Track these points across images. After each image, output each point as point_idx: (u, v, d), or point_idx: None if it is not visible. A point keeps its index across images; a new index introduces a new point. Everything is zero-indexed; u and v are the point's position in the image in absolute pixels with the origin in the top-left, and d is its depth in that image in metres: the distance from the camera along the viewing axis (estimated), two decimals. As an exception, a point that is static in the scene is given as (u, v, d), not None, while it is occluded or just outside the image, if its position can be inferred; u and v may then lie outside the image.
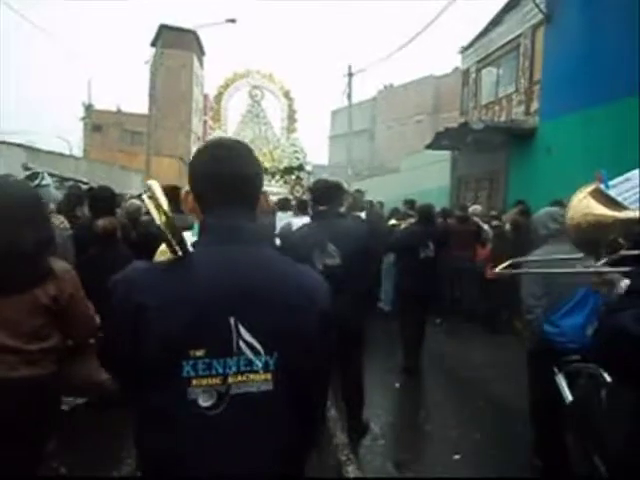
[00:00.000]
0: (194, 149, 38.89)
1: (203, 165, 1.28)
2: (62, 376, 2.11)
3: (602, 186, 1.62)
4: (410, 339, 5.59)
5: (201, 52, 42.39)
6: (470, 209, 8.50)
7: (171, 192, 5.20)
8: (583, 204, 1.53)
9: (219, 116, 13.52)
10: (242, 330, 1.15)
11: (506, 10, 12.48)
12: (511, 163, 11.79)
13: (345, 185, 4.68)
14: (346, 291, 3.09)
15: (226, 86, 13.50)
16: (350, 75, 22.39)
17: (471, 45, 14.68)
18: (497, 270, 2.39)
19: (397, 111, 37.38)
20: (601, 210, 1.49)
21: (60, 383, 2.11)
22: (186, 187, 1.34)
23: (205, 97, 43.19)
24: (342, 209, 4.32)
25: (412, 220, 6.36)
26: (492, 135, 11.47)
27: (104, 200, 4.05)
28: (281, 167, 12.64)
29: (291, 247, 3.46)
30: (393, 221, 7.46)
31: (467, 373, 5.70)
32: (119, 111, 37.81)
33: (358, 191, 7.92)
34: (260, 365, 1.16)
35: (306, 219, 6.34)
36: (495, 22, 13.06)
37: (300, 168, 12.84)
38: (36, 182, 3.34)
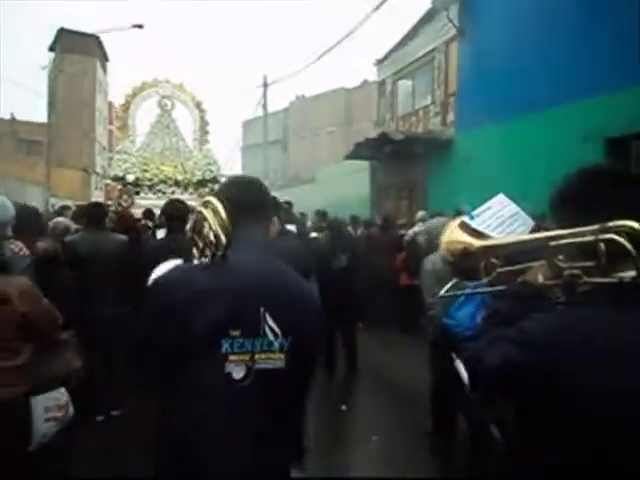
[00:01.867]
0: (99, 159, 37.03)
1: (238, 193, 1.64)
2: (43, 371, 2.27)
3: (466, 219, 1.75)
4: (330, 341, 5.88)
5: (104, 58, 40.30)
6: (418, 215, 8.54)
7: (95, 209, 4.60)
8: (451, 237, 1.68)
9: (126, 126, 12.79)
10: (268, 317, 1.42)
11: (421, 24, 12.78)
12: (430, 173, 11.99)
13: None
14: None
15: (134, 95, 12.77)
16: (265, 85, 22.09)
17: (387, 57, 14.92)
18: (441, 294, 2.42)
19: (310, 122, 37.55)
20: (466, 240, 1.63)
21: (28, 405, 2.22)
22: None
23: (110, 105, 40.96)
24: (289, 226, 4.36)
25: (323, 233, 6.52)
26: (411, 146, 11.62)
27: (32, 221, 3.72)
28: (194, 180, 12.19)
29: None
30: (314, 234, 7.39)
31: (386, 374, 6.01)
32: (13, 119, 34.80)
33: (287, 203, 7.60)
34: (277, 346, 1.42)
35: None
36: (410, 35, 13.36)
37: (214, 180, 12.35)
38: None
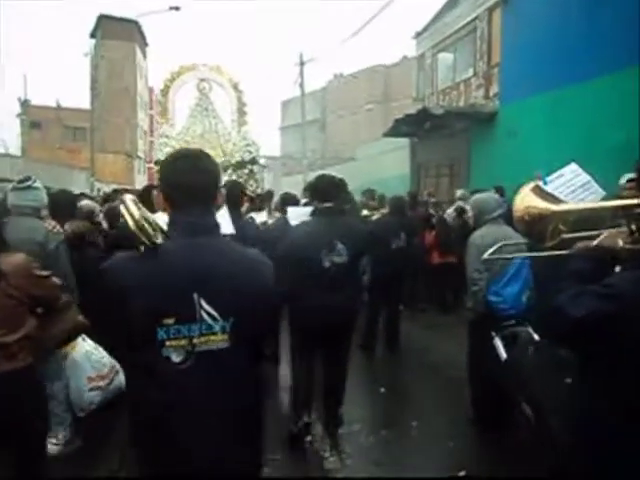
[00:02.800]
0: (141, 144, 37.70)
1: (173, 175, 1.59)
2: (47, 338, 2.43)
3: (540, 183, 1.78)
4: (372, 321, 5.84)
5: (144, 43, 40.70)
6: (458, 193, 8.34)
7: (146, 192, 4.73)
8: (525, 200, 1.72)
9: (166, 111, 12.99)
10: (203, 302, 1.47)
11: (460, -7, 12.27)
12: (472, 148, 11.62)
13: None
14: (348, 288, 3.45)
15: (172, 79, 12.95)
16: (302, 64, 21.83)
17: (425, 30, 14.45)
18: (485, 256, 2.63)
19: (348, 100, 37.10)
20: (540, 204, 1.68)
21: (36, 375, 2.31)
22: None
23: (150, 90, 41.48)
24: (346, 206, 4.26)
25: (384, 211, 6.42)
26: (452, 120, 11.27)
27: (66, 204, 3.96)
28: (233, 161, 12.20)
29: (293, 244, 3.48)
30: (365, 212, 7.31)
31: (429, 356, 5.84)
32: (59, 106, 35.77)
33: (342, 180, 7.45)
34: (218, 328, 1.48)
35: (263, 215, 5.97)
36: (450, 5, 12.86)
37: (253, 162, 12.49)
38: (27, 183, 3.34)
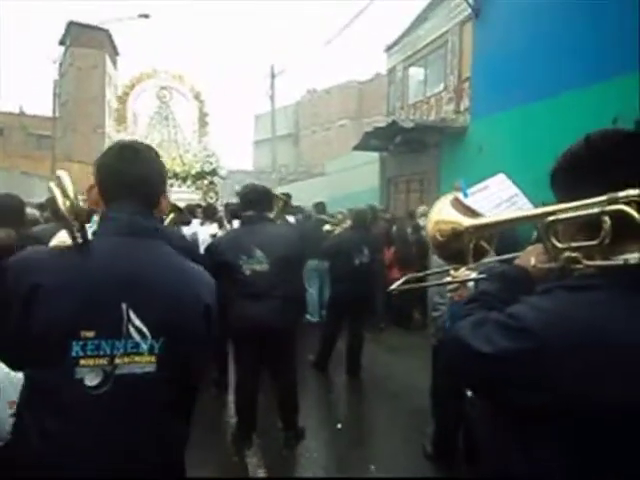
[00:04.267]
0: None
1: (110, 163, 1.36)
2: None
3: (460, 195, 1.59)
4: (329, 340, 5.56)
5: (114, 52, 40.00)
6: (419, 209, 8.18)
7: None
8: (440, 215, 1.53)
9: (124, 118, 12.62)
10: (132, 315, 1.23)
11: (432, 7, 12.07)
12: (442, 163, 11.32)
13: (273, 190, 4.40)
14: (274, 297, 3.34)
15: (132, 86, 12.66)
16: (273, 76, 21.48)
17: (397, 43, 14.24)
18: (393, 287, 2.19)
19: (321, 116, 37.10)
20: (454, 218, 1.49)
21: None
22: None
23: (117, 99, 40.67)
24: (271, 214, 3.96)
25: (345, 225, 6.16)
26: (422, 134, 10.98)
27: (11, 210, 3.55)
28: (192, 172, 11.94)
29: (218, 252, 3.43)
30: (327, 227, 7.20)
31: (391, 383, 5.42)
32: (22, 113, 34.70)
33: (285, 195, 7.28)
34: (146, 348, 1.24)
35: (214, 227, 5.74)
36: (421, 19, 12.65)
37: (213, 173, 12.22)
38: None
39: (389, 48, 14.68)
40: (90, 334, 1.20)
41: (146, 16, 23.20)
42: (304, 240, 4.56)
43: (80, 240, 1.23)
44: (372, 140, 12.52)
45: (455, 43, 11.31)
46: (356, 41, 44.04)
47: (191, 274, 1.39)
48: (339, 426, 4.32)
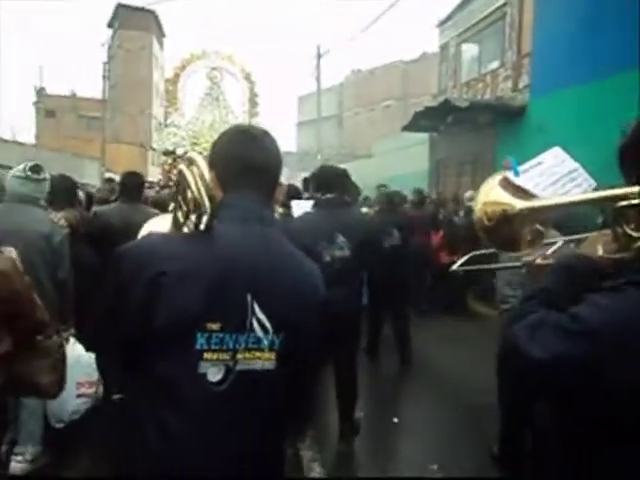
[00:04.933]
0: (155, 135, 37.84)
1: (229, 149, 1.30)
2: (22, 372, 1.88)
3: (510, 174, 1.48)
4: (373, 324, 5.45)
5: (161, 34, 40.50)
6: (467, 194, 7.93)
7: (128, 179, 4.25)
8: (488, 196, 1.37)
9: (175, 99, 12.67)
10: (257, 308, 1.16)
11: (489, -22, 11.50)
12: (498, 144, 10.82)
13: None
14: (351, 284, 3.27)
15: (182, 67, 12.69)
16: (319, 57, 21.21)
17: (449, 18, 13.71)
18: (455, 267, 2.05)
19: (365, 96, 36.58)
20: (503, 199, 1.32)
21: (6, 394, 1.99)
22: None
23: (166, 81, 41.19)
24: (348, 198, 3.82)
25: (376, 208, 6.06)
26: (476, 114, 10.51)
27: (64, 191, 3.65)
28: None
29: (292, 236, 2.86)
30: (365, 209, 6.93)
31: (438, 364, 5.46)
32: (74, 95, 35.69)
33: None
34: (267, 344, 1.17)
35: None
36: (476, -9, 12.08)
37: None
38: (42, 175, 3.06)
39: (441, 24, 14.16)
40: (215, 326, 1.13)
41: (193, -4, 23.30)
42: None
43: (203, 226, 1.15)
44: (422, 120, 12.13)
45: (514, 16, 10.75)
46: (402, 20, 43.07)
47: (308, 266, 1.33)
48: (395, 420, 4.17)
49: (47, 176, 3.14)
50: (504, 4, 11.06)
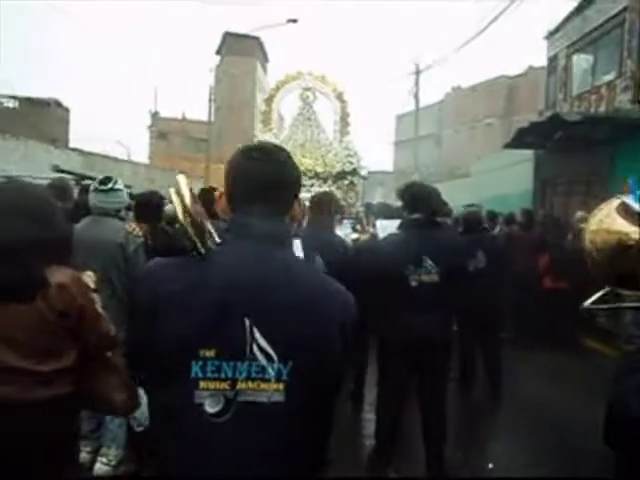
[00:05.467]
0: None
1: (237, 165, 1.25)
2: (90, 386, 1.97)
3: (630, 200, 1.27)
4: (465, 356, 5.15)
5: (264, 58, 42.24)
6: (577, 215, 7.32)
7: (207, 195, 4.26)
8: (602, 224, 1.25)
9: (270, 120, 13.05)
10: (257, 334, 1.09)
11: (606, -19, 10.54)
12: (616, 162, 9.75)
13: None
14: (440, 310, 3.06)
15: (277, 89, 13.13)
16: (417, 73, 20.83)
17: (559, 28, 12.76)
18: (587, 305, 1.63)
19: (466, 114, 35.42)
20: (624, 228, 1.19)
21: (77, 402, 1.95)
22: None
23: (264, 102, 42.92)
24: (438, 218, 3.58)
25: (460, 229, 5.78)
26: (590, 129, 9.54)
27: (146, 206, 3.86)
28: (334, 172, 11.98)
29: (376, 259, 3.19)
30: None
31: (538, 402, 4.88)
32: (184, 119, 38.11)
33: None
34: (273, 373, 1.09)
35: (347, 229, 5.63)
36: (590, -1, 11.12)
37: (354, 173, 12.15)
38: (109, 186, 3.25)
39: (550, 35, 13.23)
40: (210, 353, 1.08)
41: (294, 21, 23.90)
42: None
43: (202, 250, 1.15)
44: (527, 137, 11.28)
45: (634, 22, 9.72)
46: (505, 33, 41.37)
47: (324, 288, 1.21)
48: (490, 466, 3.68)
49: (118, 187, 3.33)
50: (623, 9, 10.05)
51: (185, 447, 1.09)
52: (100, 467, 3.03)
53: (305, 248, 3.07)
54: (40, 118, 22.67)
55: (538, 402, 4.85)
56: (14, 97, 25.34)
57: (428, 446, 3.31)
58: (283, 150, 1.31)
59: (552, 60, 13.33)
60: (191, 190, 1.19)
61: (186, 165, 29.69)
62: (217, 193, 1.33)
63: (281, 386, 1.09)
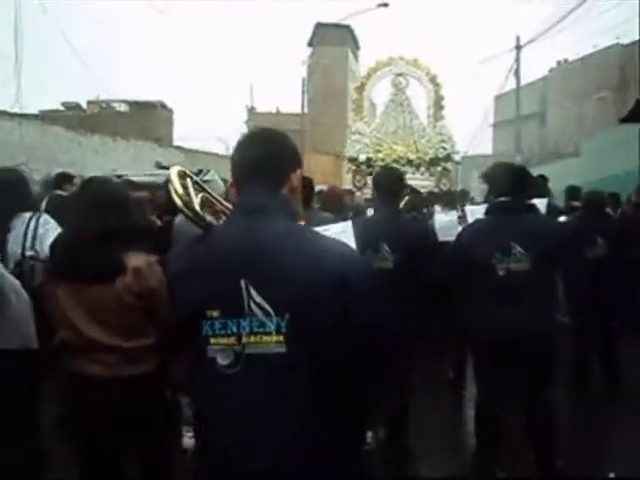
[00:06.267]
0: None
1: (234, 154, 1.44)
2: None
3: None
4: (584, 357, 4.68)
5: (356, 46, 42.03)
6: None
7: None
8: None
9: (362, 107, 12.90)
10: (253, 292, 1.22)
11: None
12: None
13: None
14: (531, 302, 2.83)
15: (368, 76, 12.91)
16: (518, 48, 19.54)
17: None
18: None
19: (573, 89, 32.94)
20: None
21: (162, 379, 2.13)
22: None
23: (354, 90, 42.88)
24: (529, 201, 3.47)
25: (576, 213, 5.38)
26: None
27: None
28: (426, 158, 11.49)
29: (459, 248, 3.08)
30: (562, 219, 6.14)
31: None
32: (278, 112, 39.02)
33: (542, 177, 6.63)
34: (272, 327, 1.20)
35: (453, 215, 5.24)
36: None
37: (447, 159, 11.59)
38: (200, 177, 3.39)
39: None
40: (215, 313, 1.24)
41: (385, 5, 23.51)
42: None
43: (203, 228, 1.37)
44: (647, 109, 10.19)
45: None
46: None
47: (318, 246, 1.30)
48: (612, 475, 3.32)
49: (208, 178, 3.55)
50: None
51: (204, 396, 1.29)
52: (187, 441, 3.27)
53: (368, 235, 2.94)
54: (147, 120, 24.32)
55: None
56: (125, 101, 27.41)
57: (535, 452, 3.05)
58: (271, 130, 1.47)
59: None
60: (182, 174, 1.42)
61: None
62: (229, 184, 1.55)
63: (281, 338, 1.20)
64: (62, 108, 27.61)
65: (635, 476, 3.29)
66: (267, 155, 1.38)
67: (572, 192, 6.66)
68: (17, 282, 2.43)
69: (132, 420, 2.07)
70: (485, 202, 4.08)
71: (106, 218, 2.00)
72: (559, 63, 36.13)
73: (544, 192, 6.25)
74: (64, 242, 2.08)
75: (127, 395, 1.99)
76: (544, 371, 3.04)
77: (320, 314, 1.21)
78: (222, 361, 1.22)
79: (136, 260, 1.99)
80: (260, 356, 1.21)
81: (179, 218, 3.51)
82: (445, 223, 4.65)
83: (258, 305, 1.21)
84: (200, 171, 3.46)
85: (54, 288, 2.00)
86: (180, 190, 1.37)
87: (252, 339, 1.21)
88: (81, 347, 2.00)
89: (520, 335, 2.80)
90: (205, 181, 3.32)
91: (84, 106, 28.76)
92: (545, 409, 3.00)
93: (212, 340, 1.23)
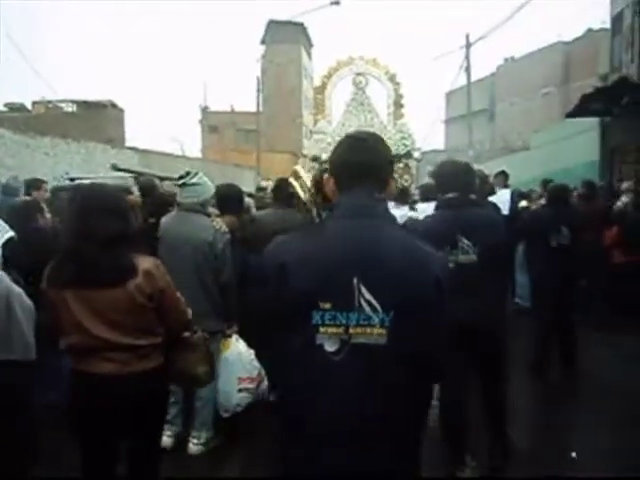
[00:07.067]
0: (306, 143, 39.67)
1: (339, 155, 1.54)
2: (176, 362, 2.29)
3: None
4: (543, 338, 4.91)
5: (309, 44, 42.00)
6: (623, 185, 7.33)
7: (281, 184, 4.34)
8: None
9: (323, 107, 13.00)
10: (363, 289, 1.35)
11: None
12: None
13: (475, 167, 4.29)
14: (482, 292, 2.91)
15: (329, 76, 12.98)
16: (468, 46, 20.06)
17: (623, -16, 11.91)
18: None
19: (520, 85, 34.05)
20: None
21: (166, 373, 2.24)
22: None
23: (315, 90, 42.82)
24: (474, 196, 3.36)
25: (542, 202, 5.72)
26: (662, 91, 8.90)
27: (231, 198, 3.93)
28: None
29: None
30: (523, 203, 6.83)
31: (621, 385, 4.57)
32: (233, 111, 38.57)
33: (503, 172, 7.18)
34: (377, 320, 1.34)
35: (405, 210, 5.40)
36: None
37: (408, 155, 11.83)
38: (183, 180, 3.41)
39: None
40: (327, 305, 1.34)
41: (337, 3, 23.62)
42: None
43: (317, 220, 1.54)
44: (591, 104, 10.67)
45: None
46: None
47: (418, 249, 1.45)
48: (574, 454, 3.47)
49: (195, 181, 3.40)
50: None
51: (308, 379, 1.37)
52: (192, 447, 3.36)
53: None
54: (97, 120, 23.56)
55: (619, 385, 4.53)
56: (73, 101, 26.48)
57: (490, 435, 3.23)
58: (374, 135, 1.56)
59: (616, 19, 12.51)
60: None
61: (238, 157, 30.08)
62: (325, 177, 1.58)
63: (384, 331, 1.34)
64: (5, 109, 26.44)
65: (596, 454, 3.48)
66: (376, 161, 1.49)
67: (500, 178, 7.16)
68: (22, 292, 2.49)
69: (138, 412, 2.14)
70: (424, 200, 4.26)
71: (110, 223, 2.04)
72: (506, 60, 37.25)
73: (506, 185, 6.94)
74: (66, 248, 2.11)
75: (137, 388, 2.08)
76: (496, 357, 3.19)
77: (422, 312, 1.37)
78: (329, 347, 1.35)
79: (146, 263, 2.10)
80: (362, 345, 1.34)
81: (165, 219, 3.54)
82: (398, 218, 4.77)
83: (367, 302, 1.34)
84: (188, 173, 3.44)
85: (62, 294, 2.03)
86: (307, 187, 1.64)
87: (358, 330, 1.34)
88: (92, 347, 2.05)
89: (471, 325, 2.80)
90: (195, 184, 3.39)
91: (29, 107, 27.67)
92: (499, 391, 3.21)
93: (321, 329, 1.35)
